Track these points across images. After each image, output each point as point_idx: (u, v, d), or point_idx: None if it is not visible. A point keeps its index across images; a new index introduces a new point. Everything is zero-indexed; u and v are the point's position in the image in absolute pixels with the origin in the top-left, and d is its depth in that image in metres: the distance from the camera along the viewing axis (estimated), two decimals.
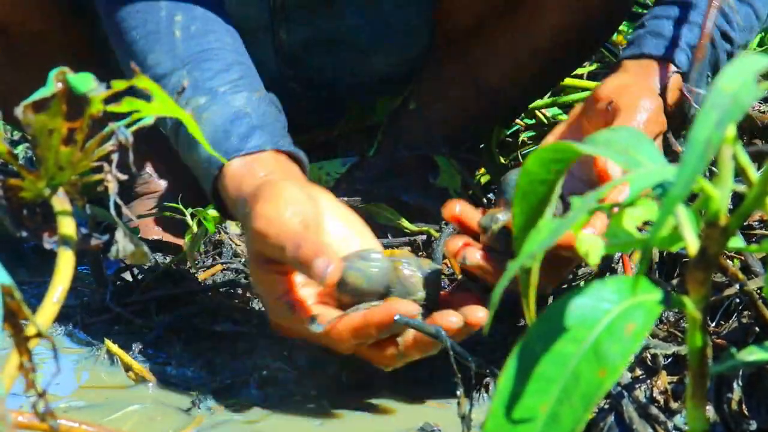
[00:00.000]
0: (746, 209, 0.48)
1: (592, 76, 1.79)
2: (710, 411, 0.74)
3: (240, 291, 1.21)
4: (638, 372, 0.85)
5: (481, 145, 1.52)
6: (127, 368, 1.09)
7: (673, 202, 0.41)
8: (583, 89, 1.69)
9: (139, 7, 1.14)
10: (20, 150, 2.06)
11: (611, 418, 0.78)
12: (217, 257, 1.36)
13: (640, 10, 1.66)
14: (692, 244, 0.48)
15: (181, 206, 1.41)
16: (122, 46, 1.14)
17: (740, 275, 0.78)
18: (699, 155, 0.40)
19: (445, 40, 1.44)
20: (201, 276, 1.28)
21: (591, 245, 0.49)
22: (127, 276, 1.35)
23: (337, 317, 0.93)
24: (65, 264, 0.59)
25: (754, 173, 0.47)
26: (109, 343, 1.13)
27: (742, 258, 0.95)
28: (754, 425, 0.74)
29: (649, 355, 0.85)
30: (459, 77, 1.43)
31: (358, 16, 1.44)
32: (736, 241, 0.50)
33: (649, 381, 0.81)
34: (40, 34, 1.39)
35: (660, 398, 0.80)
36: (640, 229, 0.52)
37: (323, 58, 1.45)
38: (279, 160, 1.06)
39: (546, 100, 1.66)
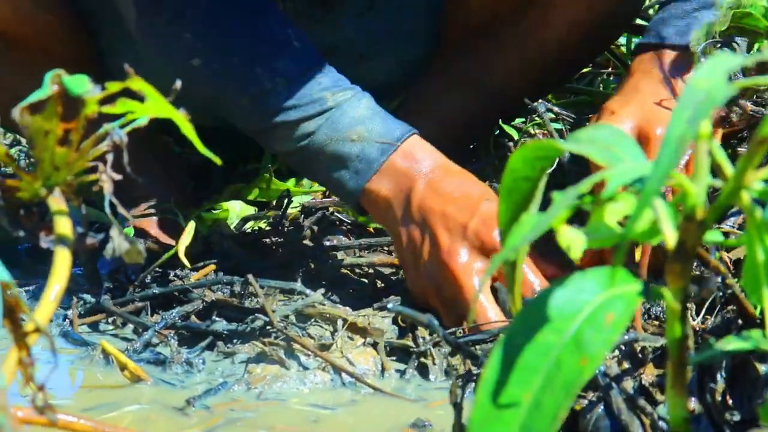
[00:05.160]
0: (722, 203, 0.49)
1: (579, 77, 1.81)
2: (694, 402, 0.76)
3: (236, 289, 1.23)
4: (625, 365, 0.86)
5: (471, 146, 1.54)
6: (123, 368, 1.10)
7: (648, 196, 0.43)
8: (577, 93, 1.70)
9: (248, 20, 1.25)
10: (13, 153, 2.07)
11: (599, 409, 0.79)
12: (208, 258, 1.37)
13: (641, 22, 1.68)
14: (670, 237, 0.49)
15: (174, 207, 1.43)
16: (232, 50, 1.24)
17: (722, 268, 0.80)
18: (673, 151, 0.42)
19: (449, 37, 1.46)
20: (194, 276, 1.29)
21: (572, 240, 0.51)
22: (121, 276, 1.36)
23: None
24: (62, 263, 0.60)
25: (729, 168, 0.49)
26: (104, 342, 1.14)
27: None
28: (737, 416, 0.75)
29: (638, 348, 0.87)
30: (462, 75, 1.45)
31: (357, 22, 1.46)
32: (713, 235, 0.52)
33: (635, 373, 0.82)
34: (40, 42, 1.40)
35: (648, 389, 0.82)
36: (621, 224, 0.53)
37: None
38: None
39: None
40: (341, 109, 1.20)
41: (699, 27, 1.18)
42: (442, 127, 1.45)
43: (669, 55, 1.23)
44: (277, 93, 1.20)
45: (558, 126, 1.55)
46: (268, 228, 1.41)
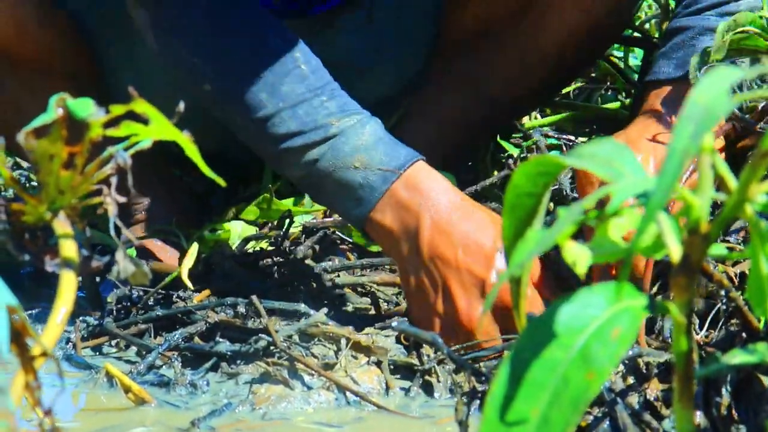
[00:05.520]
0: (726, 216, 0.50)
1: (578, 93, 1.82)
2: (700, 416, 0.76)
3: (239, 310, 1.23)
4: (630, 380, 0.86)
5: (469, 163, 1.54)
6: (127, 390, 1.10)
7: (653, 211, 0.43)
8: (574, 107, 1.71)
9: (253, 43, 1.24)
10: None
11: (605, 425, 0.79)
12: (209, 279, 1.37)
13: (631, 33, 1.69)
14: (675, 252, 0.50)
15: (175, 229, 1.43)
16: (238, 75, 1.23)
17: (725, 282, 0.80)
18: (677, 165, 0.42)
19: (447, 48, 1.46)
20: (197, 297, 1.29)
21: (578, 255, 0.51)
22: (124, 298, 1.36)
23: None
24: (68, 286, 0.60)
25: (732, 181, 0.49)
26: (108, 365, 1.14)
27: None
28: (743, 430, 0.75)
29: (643, 363, 0.87)
30: (460, 85, 1.45)
31: (357, 36, 1.46)
32: (718, 248, 0.52)
33: (640, 388, 0.83)
34: (42, 58, 1.41)
35: (652, 404, 0.82)
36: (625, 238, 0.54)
37: None
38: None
39: (537, 121, 1.68)
40: (345, 136, 1.17)
41: (696, 55, 1.17)
42: (442, 129, 1.45)
43: (667, 90, 1.22)
44: (282, 119, 1.19)
45: (555, 141, 1.56)
46: (269, 248, 1.41)
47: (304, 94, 1.19)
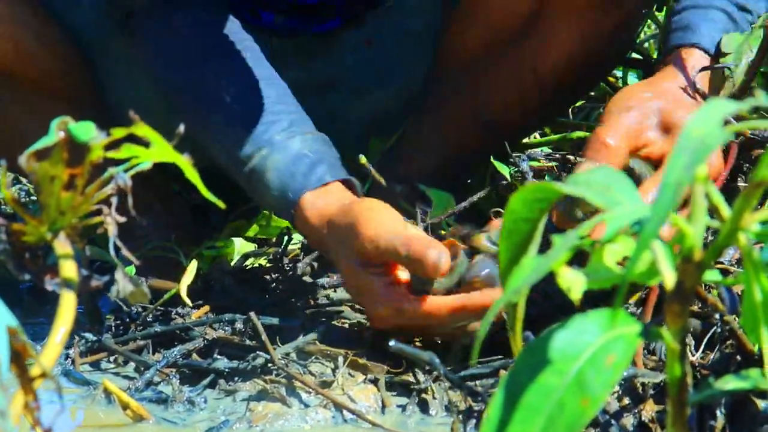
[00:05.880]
0: (720, 244, 0.50)
1: (576, 111, 1.83)
2: None
3: (237, 327, 1.23)
4: (626, 401, 0.87)
5: (469, 181, 1.55)
6: (125, 407, 1.10)
7: (647, 239, 0.44)
8: (573, 127, 1.71)
9: (188, 73, 1.31)
10: (13, 191, 2.08)
11: None
12: (208, 295, 1.37)
13: (630, 53, 1.69)
14: (669, 279, 0.50)
15: (174, 245, 1.44)
16: (179, 111, 1.33)
17: (720, 305, 0.81)
18: (671, 196, 0.43)
19: (446, 69, 1.47)
20: (195, 314, 1.29)
21: (572, 281, 0.51)
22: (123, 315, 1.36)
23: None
24: (67, 305, 0.61)
25: (725, 210, 0.49)
26: (106, 381, 1.14)
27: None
28: None
29: (638, 384, 0.88)
30: (459, 107, 1.46)
31: (356, 57, 1.47)
32: (712, 275, 0.52)
33: (635, 409, 0.83)
34: (41, 77, 1.41)
35: (647, 426, 0.82)
36: (620, 264, 0.54)
37: (317, 99, 1.47)
38: (342, 188, 1.22)
39: (534, 140, 1.69)
40: (254, 176, 1.24)
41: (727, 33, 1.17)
42: (442, 147, 1.46)
43: (697, 56, 1.22)
44: (218, 153, 1.27)
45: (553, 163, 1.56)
46: (268, 265, 1.41)
47: (227, 130, 1.26)
